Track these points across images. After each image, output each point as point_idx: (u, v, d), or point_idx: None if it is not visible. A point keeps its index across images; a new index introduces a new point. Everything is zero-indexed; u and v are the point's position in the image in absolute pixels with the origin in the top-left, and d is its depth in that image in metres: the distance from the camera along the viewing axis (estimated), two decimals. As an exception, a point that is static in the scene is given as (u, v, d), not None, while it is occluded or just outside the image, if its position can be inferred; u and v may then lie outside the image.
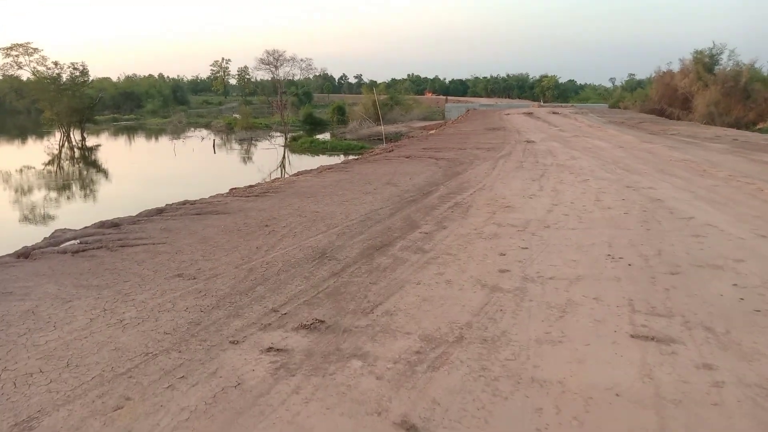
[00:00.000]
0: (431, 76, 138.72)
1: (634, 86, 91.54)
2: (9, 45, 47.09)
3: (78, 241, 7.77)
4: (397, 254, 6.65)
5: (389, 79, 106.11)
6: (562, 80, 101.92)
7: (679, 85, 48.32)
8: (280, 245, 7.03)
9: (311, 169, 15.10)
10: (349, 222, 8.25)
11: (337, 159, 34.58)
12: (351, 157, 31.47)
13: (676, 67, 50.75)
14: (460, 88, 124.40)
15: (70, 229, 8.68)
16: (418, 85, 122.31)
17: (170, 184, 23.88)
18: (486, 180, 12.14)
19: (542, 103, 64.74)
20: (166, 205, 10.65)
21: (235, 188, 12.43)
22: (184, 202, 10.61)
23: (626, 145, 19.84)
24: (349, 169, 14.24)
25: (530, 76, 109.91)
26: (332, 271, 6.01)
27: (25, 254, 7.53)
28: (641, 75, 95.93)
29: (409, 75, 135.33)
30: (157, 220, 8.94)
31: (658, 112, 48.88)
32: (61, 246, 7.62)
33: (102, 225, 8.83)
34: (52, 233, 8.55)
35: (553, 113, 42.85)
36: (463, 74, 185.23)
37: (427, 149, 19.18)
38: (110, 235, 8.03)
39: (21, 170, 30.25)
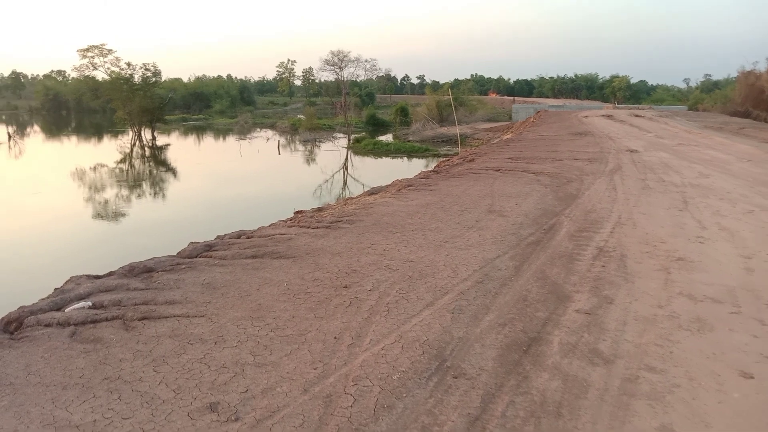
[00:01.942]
0: (495, 76, 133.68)
1: (710, 87, 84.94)
2: (86, 47, 46.99)
3: (90, 303, 5.48)
4: (562, 366, 3.96)
5: (452, 80, 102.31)
6: (633, 80, 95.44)
7: (766, 86, 43.28)
8: (370, 334, 4.46)
9: (388, 186, 12.53)
10: (461, 284, 5.61)
11: (401, 162, 32.11)
12: (420, 160, 28.91)
13: (762, 66, 45.48)
14: (525, 89, 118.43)
15: (88, 277, 6.44)
16: (481, 85, 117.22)
17: (233, 186, 21.99)
18: (617, 208, 9.23)
19: (617, 105, 59.90)
20: (217, 237, 8.35)
21: (300, 212, 10.02)
22: (239, 234, 8.25)
23: (753, 158, 16.30)
24: (433, 187, 11.59)
25: (599, 76, 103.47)
26: (468, 413, 3.39)
27: (17, 321, 5.32)
28: (717, 75, 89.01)
29: (472, 75, 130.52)
30: (201, 265, 6.58)
31: (742, 115, 44.00)
32: (67, 310, 5.36)
33: (131, 270, 6.56)
34: (65, 283, 6.34)
35: (636, 116, 38.77)
36: (529, 74, 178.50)
37: (515, 159, 16.28)
38: (135, 292, 5.71)
39: (95, 168, 29.52)
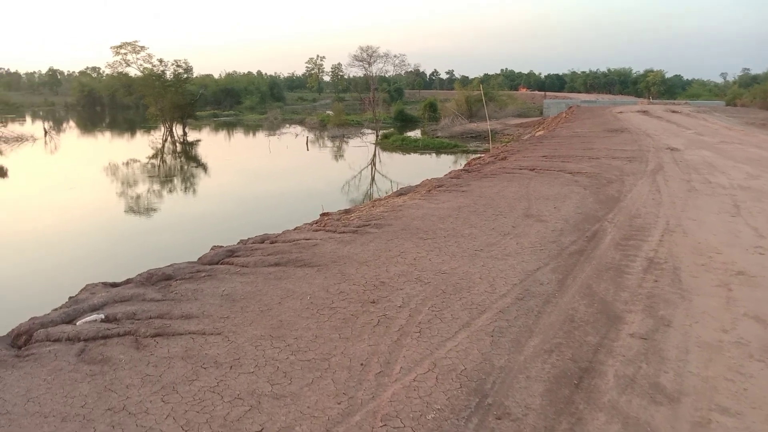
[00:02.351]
0: (526, 71, 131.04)
1: (749, 82, 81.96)
2: (119, 44, 47.45)
3: (103, 315, 5.14)
4: (620, 404, 3.44)
5: (482, 75, 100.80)
6: (668, 75, 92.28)
7: (811, 80, 41.46)
8: (401, 361, 4.00)
9: (417, 186, 12.02)
10: (500, 300, 5.10)
11: (430, 158, 31.53)
12: (449, 156, 28.23)
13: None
14: (556, 84, 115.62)
15: (104, 285, 6.13)
16: (512, 80, 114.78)
17: (261, 183, 21.75)
18: (663, 212, 8.57)
19: (651, 100, 58.06)
20: (240, 242, 7.99)
21: (327, 214, 9.60)
22: (263, 239, 7.88)
23: (805, 157, 15.33)
24: (465, 188, 11.05)
25: (633, 71, 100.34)
26: (516, 465, 2.91)
27: (27, 334, 5.02)
28: (757, 69, 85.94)
29: (502, 70, 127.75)
30: (221, 273, 6.21)
31: (782, 110, 42.26)
32: (78, 323, 5.03)
33: (149, 278, 6.23)
34: (80, 291, 6.03)
35: (672, 112, 37.43)
36: (560, 69, 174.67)
37: (549, 158, 15.61)
38: (150, 303, 5.36)
39: (127, 163, 29.78)
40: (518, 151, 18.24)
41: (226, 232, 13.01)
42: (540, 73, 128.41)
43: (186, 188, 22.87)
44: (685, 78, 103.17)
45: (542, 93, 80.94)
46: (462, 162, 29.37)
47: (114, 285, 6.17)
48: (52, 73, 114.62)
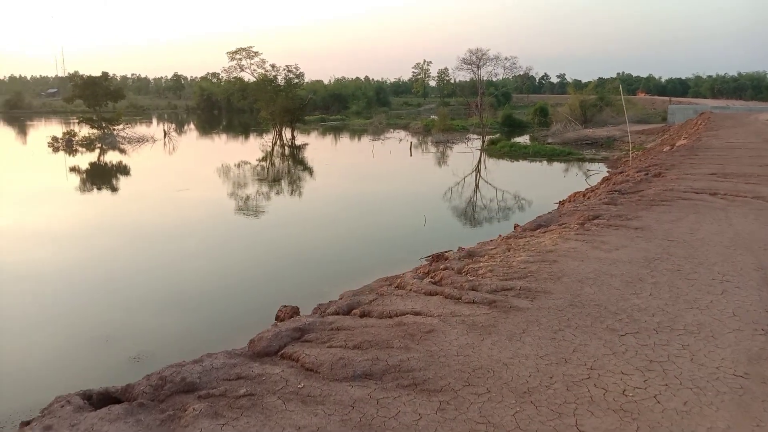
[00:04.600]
0: (644, 75, 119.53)
1: None
2: (234, 49, 47.46)
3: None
4: None
5: (596, 78, 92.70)
6: (809, 79, 79.45)
7: None
8: None
9: (561, 214, 8.69)
10: None
11: (541, 166, 27.63)
12: (561, 164, 24.08)
13: None
14: (679, 88, 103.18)
15: (81, 402, 3.55)
16: (629, 84, 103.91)
17: (361, 188, 19.32)
18: None
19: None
20: (317, 309, 5.21)
21: (441, 257, 6.62)
22: (350, 307, 5.01)
23: None
24: (636, 222, 7.62)
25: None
26: None
27: None
28: None
29: (618, 74, 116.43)
30: (271, 392, 3.46)
31: None
32: None
33: (157, 390, 3.60)
34: (43, 412, 3.50)
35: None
36: (683, 72, 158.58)
37: (723, 176, 11.63)
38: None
39: (239, 165, 28.93)
40: (672, 165, 14.23)
41: (304, 276, 10.17)
42: (660, 77, 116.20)
43: (292, 191, 21.31)
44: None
45: (663, 98, 72.54)
46: (575, 170, 25.24)
47: (100, 400, 3.60)
48: (177, 79, 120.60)
